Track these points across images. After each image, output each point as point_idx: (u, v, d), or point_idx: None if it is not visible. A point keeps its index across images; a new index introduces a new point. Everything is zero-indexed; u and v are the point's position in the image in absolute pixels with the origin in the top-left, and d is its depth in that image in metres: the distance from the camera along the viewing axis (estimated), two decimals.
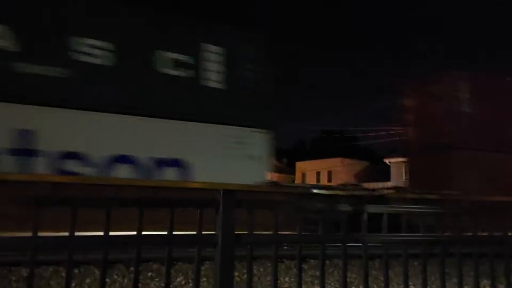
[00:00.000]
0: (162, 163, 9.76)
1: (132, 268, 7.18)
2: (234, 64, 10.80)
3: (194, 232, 2.23)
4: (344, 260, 2.66)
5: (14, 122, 8.56)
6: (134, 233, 2.07)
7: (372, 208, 2.84)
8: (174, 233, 2.22)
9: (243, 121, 10.55)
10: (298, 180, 52.74)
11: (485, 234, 3.14)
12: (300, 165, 55.62)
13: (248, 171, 10.41)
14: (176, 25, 10.52)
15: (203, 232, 2.28)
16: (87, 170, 9.17)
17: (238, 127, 10.53)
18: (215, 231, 2.28)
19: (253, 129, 10.62)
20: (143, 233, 2.13)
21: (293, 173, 56.26)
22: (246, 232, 2.36)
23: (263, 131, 10.77)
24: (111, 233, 2.00)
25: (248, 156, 10.48)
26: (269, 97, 11.05)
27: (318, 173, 51.54)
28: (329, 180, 49.65)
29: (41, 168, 8.74)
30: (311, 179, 51.27)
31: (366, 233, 2.69)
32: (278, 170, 59.95)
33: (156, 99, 9.90)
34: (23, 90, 8.61)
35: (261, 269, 7.65)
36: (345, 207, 2.66)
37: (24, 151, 8.67)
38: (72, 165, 8.96)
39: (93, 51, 9.47)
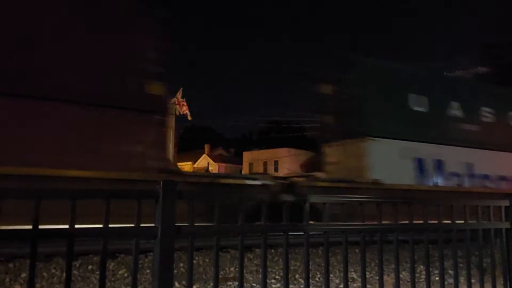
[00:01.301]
0: None
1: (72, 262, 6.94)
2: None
3: (132, 225, 2.16)
4: (286, 249, 2.67)
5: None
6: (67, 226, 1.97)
7: (315, 198, 2.87)
8: (110, 225, 2.13)
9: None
10: (245, 170, 53.01)
11: (421, 222, 3.26)
12: (247, 155, 55.94)
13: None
14: None
15: (143, 225, 2.21)
16: None
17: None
18: (154, 223, 2.22)
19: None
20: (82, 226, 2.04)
21: (241, 163, 56.50)
22: (187, 224, 2.31)
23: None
24: (41, 227, 1.89)
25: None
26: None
27: (265, 163, 52.06)
28: (276, 170, 50.29)
29: None
30: (258, 169, 51.72)
31: (308, 222, 2.72)
32: (225, 160, 60.01)
33: None
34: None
35: (207, 260, 7.63)
36: (287, 197, 2.67)
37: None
38: None
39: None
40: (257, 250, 8.35)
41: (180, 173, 11.35)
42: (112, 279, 6.40)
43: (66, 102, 9.24)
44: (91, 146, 9.42)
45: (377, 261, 3.10)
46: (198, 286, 5.94)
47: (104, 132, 9.70)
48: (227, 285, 6.09)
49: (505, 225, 3.69)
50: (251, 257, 8.07)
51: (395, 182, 13.73)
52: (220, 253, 7.82)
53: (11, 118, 8.85)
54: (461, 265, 3.90)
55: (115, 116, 9.83)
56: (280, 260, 7.68)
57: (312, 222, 2.80)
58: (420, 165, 15.07)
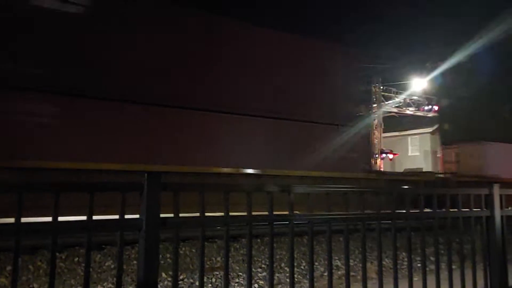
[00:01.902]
0: None
1: (58, 254, 6.91)
2: None
3: (117, 217, 2.16)
4: (271, 239, 2.70)
5: None
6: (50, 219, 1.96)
7: (300, 189, 2.90)
8: (94, 218, 2.13)
9: None
10: None
11: (403, 211, 3.32)
12: None
13: None
14: None
15: (127, 216, 2.21)
16: None
17: None
18: (139, 215, 2.22)
19: None
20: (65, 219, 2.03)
21: None
22: (172, 215, 2.32)
23: None
24: (23, 221, 1.88)
25: None
26: None
27: None
28: None
29: None
30: None
31: (292, 212, 2.75)
32: None
33: None
34: None
35: (194, 250, 7.66)
36: (272, 188, 2.69)
37: None
38: None
39: None
40: (243, 240, 8.41)
41: (383, 172, 16.25)
42: (99, 270, 6.40)
43: (303, 122, 14.18)
44: (318, 153, 13.96)
45: (361, 249, 3.15)
46: (184, 276, 5.97)
47: (329, 143, 14.34)
48: (213, 275, 6.13)
49: (486, 213, 3.77)
50: (238, 246, 8.12)
51: None
52: (206, 243, 7.83)
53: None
54: (442, 251, 3.99)
55: (336, 131, 14.68)
56: (267, 249, 7.75)
57: (297, 212, 2.84)
58: None
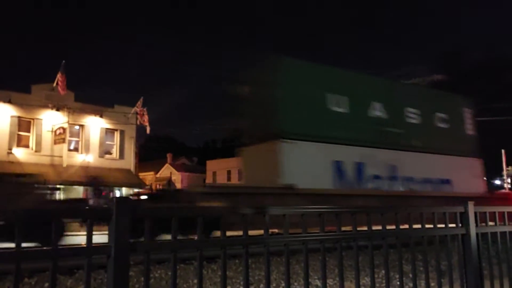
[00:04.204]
0: None
1: (26, 279, 6.64)
2: None
3: (84, 244, 2.07)
4: (246, 262, 2.64)
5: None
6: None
7: (275, 210, 2.85)
8: (62, 245, 2.04)
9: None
10: (208, 179, 52.57)
11: (379, 228, 3.30)
12: (210, 164, 55.45)
13: None
14: None
15: (95, 243, 2.12)
16: None
17: None
18: (108, 241, 2.14)
19: None
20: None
21: (204, 172, 55.97)
22: (142, 240, 2.24)
23: None
24: None
25: None
26: None
27: (228, 172, 51.80)
28: (240, 178, 50.04)
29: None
30: (221, 178, 51.40)
31: (268, 235, 2.69)
32: (188, 169, 59.34)
33: None
34: None
35: (169, 273, 7.48)
36: (246, 210, 2.63)
37: None
38: None
39: None
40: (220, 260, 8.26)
41: None
42: None
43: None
44: None
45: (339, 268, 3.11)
46: None
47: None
48: None
49: (461, 230, 3.79)
50: (215, 268, 7.97)
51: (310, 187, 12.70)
52: (183, 265, 7.67)
53: None
54: (421, 268, 3.98)
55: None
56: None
57: (275, 231, 2.79)
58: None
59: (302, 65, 14.95)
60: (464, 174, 17.36)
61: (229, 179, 50.32)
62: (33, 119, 27.70)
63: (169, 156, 58.43)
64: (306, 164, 13.32)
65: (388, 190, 15.14)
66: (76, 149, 29.72)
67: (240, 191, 12.57)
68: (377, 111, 15.68)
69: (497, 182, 45.06)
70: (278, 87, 13.85)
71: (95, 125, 30.32)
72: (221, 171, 52.70)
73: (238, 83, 15.61)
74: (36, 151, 27.51)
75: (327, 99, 14.54)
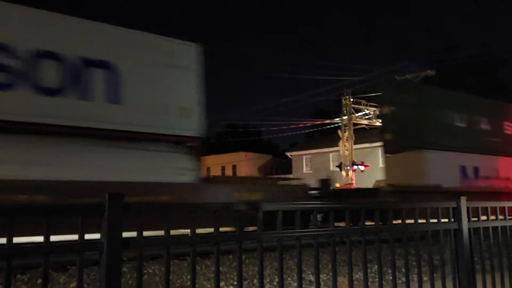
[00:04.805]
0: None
1: (18, 276, 6.61)
2: None
3: (76, 239, 2.06)
4: (239, 258, 2.64)
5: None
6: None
7: (268, 206, 2.85)
8: (54, 240, 2.03)
9: None
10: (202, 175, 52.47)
11: (372, 224, 3.32)
12: (204, 160, 55.29)
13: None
14: None
15: (88, 238, 2.11)
16: None
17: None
18: (100, 237, 2.13)
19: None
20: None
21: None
22: (135, 236, 2.24)
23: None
24: None
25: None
26: None
27: (222, 167, 51.83)
28: (234, 174, 50.16)
29: None
30: (216, 174, 51.41)
31: (261, 231, 2.69)
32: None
33: None
34: None
35: (163, 269, 7.48)
36: (240, 206, 2.63)
37: None
38: None
39: None
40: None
41: None
42: None
43: None
44: None
45: (333, 263, 3.12)
46: None
47: None
48: None
49: (453, 225, 3.81)
50: (209, 264, 7.99)
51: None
52: (177, 260, 7.68)
53: None
54: (414, 263, 4.00)
55: None
56: None
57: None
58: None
59: (434, 90, 19.46)
60: None
61: (223, 174, 50.32)
62: None
63: None
64: (442, 168, 17.27)
65: (495, 188, 19.26)
66: None
67: (412, 190, 15.67)
68: (482, 124, 19.93)
69: None
70: (420, 108, 17.82)
71: None
72: (215, 167, 52.69)
73: (381, 104, 20.38)
74: None
75: (453, 117, 18.60)
